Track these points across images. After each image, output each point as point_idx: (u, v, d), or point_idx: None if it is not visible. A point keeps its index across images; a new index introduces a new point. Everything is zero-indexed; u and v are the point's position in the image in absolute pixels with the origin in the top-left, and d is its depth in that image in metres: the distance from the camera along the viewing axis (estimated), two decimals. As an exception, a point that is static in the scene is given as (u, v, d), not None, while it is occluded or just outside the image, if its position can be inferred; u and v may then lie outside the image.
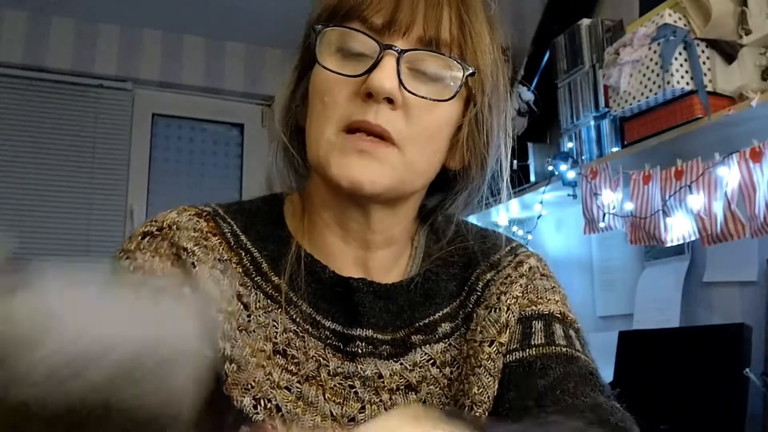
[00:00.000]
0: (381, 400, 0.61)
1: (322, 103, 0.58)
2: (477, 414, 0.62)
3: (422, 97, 0.57)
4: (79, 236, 3.23)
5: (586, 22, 2.15)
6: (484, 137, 0.63)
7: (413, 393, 0.63)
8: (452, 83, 0.59)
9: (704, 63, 1.62)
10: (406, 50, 0.57)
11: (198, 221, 0.63)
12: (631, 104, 1.74)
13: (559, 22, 2.30)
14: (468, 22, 0.59)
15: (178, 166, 3.53)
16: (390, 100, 0.56)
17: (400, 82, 0.56)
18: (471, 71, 0.59)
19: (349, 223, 0.64)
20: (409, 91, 0.57)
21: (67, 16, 3.23)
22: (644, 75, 1.69)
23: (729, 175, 1.51)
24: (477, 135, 0.62)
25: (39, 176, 3.18)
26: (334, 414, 0.60)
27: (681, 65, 1.61)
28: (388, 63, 0.56)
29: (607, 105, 1.93)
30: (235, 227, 0.64)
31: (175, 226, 0.61)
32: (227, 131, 3.64)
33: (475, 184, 0.67)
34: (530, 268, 0.70)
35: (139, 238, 0.61)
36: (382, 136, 0.57)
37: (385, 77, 0.55)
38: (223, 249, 0.62)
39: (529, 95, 2.35)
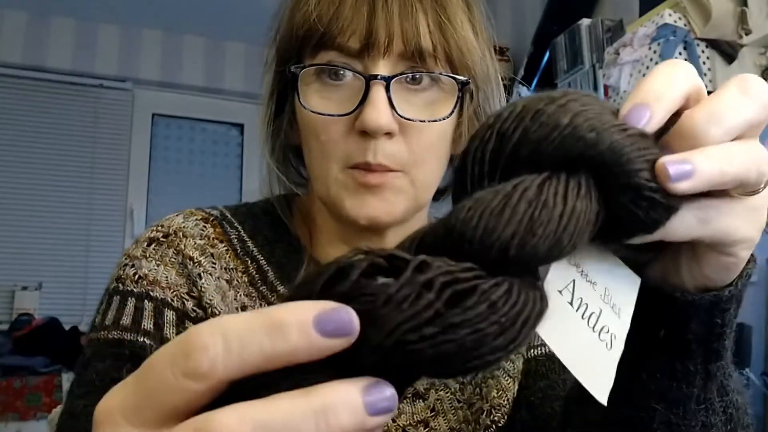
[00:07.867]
0: None
1: (318, 140, 0.56)
2: (496, 418, 0.61)
3: (420, 121, 0.55)
4: (79, 236, 3.23)
5: (586, 22, 2.15)
6: None
7: (421, 400, 0.61)
8: (446, 87, 0.57)
9: (704, 63, 1.62)
10: (393, 76, 0.54)
11: (205, 227, 0.61)
12: (631, 104, 1.74)
13: (559, 22, 2.30)
14: (447, 23, 0.56)
15: (178, 166, 3.53)
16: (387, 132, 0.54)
17: (394, 110, 0.54)
18: (464, 80, 0.57)
19: (360, 242, 0.61)
20: (406, 118, 0.54)
21: (67, 16, 3.23)
22: (644, 75, 1.69)
23: (729, 175, 1.51)
24: (477, 124, 0.61)
25: (39, 176, 3.19)
26: None
27: (681, 65, 1.61)
28: (378, 95, 0.53)
29: (607, 105, 1.93)
30: (242, 232, 0.63)
31: (181, 233, 0.60)
32: (227, 131, 3.64)
33: None
34: None
35: (145, 244, 0.59)
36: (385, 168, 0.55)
37: (379, 115, 0.53)
38: (229, 257, 0.60)
39: (529, 95, 2.36)
